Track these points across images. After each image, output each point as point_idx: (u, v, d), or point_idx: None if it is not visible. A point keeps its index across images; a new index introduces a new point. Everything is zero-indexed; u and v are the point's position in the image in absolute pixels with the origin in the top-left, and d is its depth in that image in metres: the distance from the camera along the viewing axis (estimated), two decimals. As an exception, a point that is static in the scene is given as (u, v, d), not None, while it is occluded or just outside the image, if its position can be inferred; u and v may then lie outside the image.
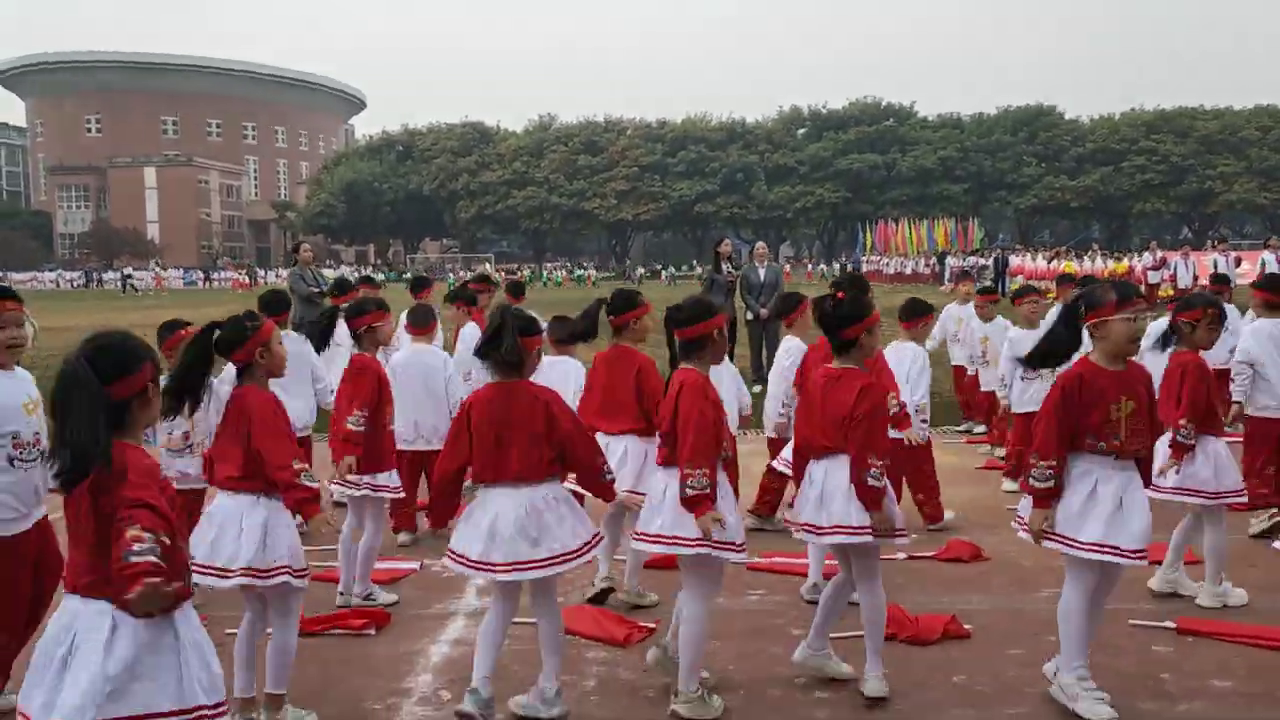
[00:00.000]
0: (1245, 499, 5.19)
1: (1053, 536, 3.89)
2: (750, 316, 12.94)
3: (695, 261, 75.06)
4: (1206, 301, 5.17)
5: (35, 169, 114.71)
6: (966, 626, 4.80)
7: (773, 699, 4.15)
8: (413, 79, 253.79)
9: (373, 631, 4.96)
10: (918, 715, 3.97)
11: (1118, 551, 3.79)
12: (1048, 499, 3.83)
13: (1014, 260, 34.34)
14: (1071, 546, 3.86)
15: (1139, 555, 3.82)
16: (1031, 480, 3.85)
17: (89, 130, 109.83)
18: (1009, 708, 4.02)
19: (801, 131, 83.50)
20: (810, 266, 67.34)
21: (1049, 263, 31.01)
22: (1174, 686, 4.13)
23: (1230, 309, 8.56)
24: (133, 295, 51.56)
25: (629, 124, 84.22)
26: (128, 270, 64.59)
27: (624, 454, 4.97)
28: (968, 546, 6.07)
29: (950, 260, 42.78)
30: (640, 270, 72.74)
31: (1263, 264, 20.51)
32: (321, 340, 5.30)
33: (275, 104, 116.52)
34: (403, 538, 6.41)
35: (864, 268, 58.38)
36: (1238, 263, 23.14)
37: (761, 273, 13.05)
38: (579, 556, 3.83)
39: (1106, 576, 3.93)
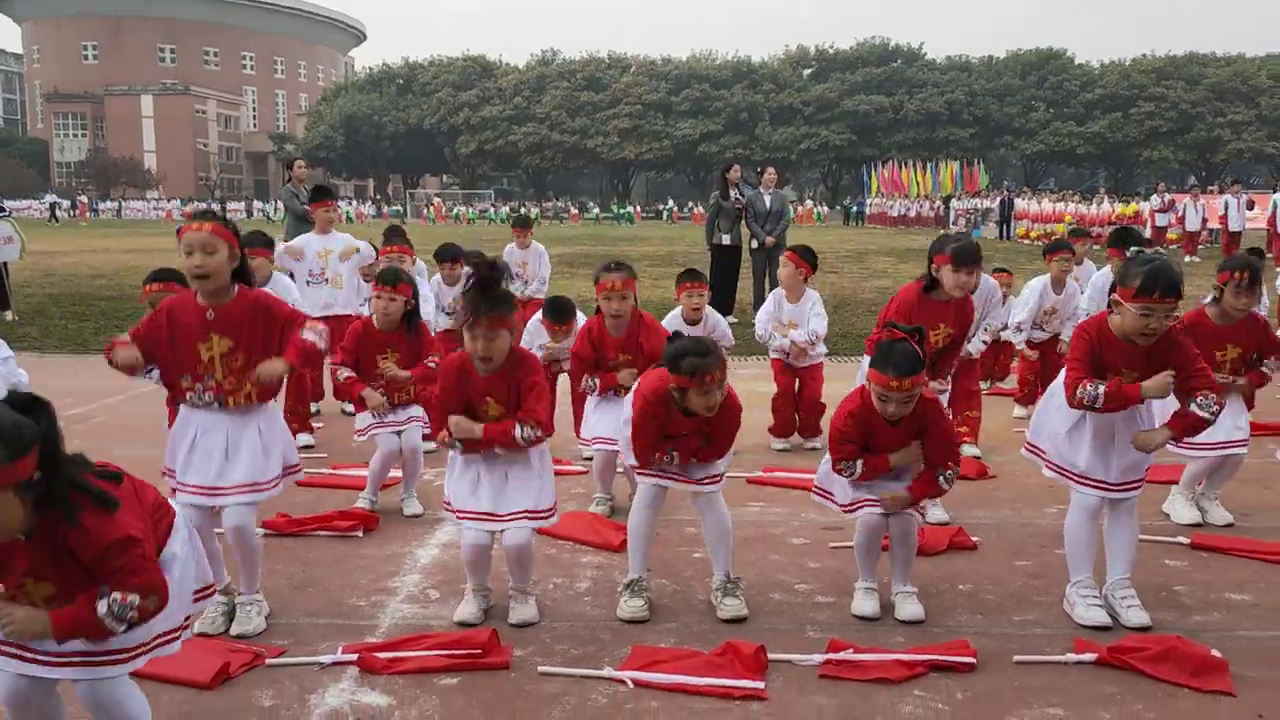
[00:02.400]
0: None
1: (1050, 463, 3.92)
2: (755, 244, 12.74)
3: (695, 202, 74.55)
4: (1238, 263, 4.76)
5: (31, 96, 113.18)
6: (974, 539, 4.67)
7: (774, 603, 4.02)
8: (414, 10, 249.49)
9: (360, 534, 4.82)
10: (925, 621, 3.83)
11: (1104, 485, 3.76)
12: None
13: (1019, 204, 33.93)
14: (1063, 474, 3.87)
15: (1127, 487, 3.77)
16: (1084, 399, 3.62)
17: (85, 57, 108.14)
18: (1016, 614, 3.88)
19: (808, 72, 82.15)
20: (809, 205, 66.66)
21: (1054, 205, 30.62)
22: (1189, 599, 4.00)
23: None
24: (56, 225, 50.67)
25: (633, 61, 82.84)
26: (53, 198, 63.94)
27: None
28: (974, 464, 5.92)
29: (954, 204, 42.35)
30: (670, 205, 72.35)
31: (1274, 206, 20.19)
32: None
33: (274, 34, 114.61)
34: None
35: (869, 210, 58.05)
36: (1250, 205, 22.83)
37: (768, 200, 12.81)
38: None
39: (1113, 500, 3.81)
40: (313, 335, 3.53)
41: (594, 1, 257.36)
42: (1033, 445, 4.01)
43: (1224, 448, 4.73)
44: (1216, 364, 4.63)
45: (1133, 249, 4.47)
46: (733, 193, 12.81)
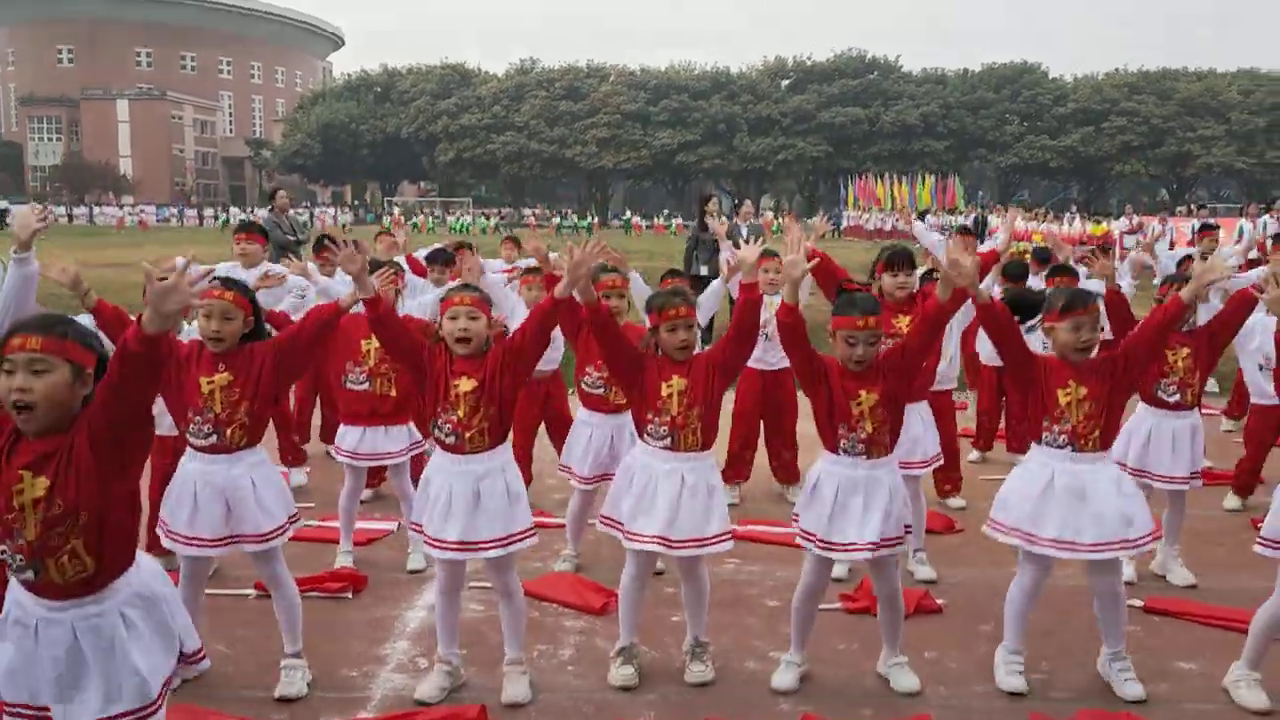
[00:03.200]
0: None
1: (1012, 531, 3.98)
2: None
3: (667, 210, 74.85)
4: (1176, 278, 5.20)
5: (5, 99, 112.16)
6: (939, 601, 4.88)
7: (748, 672, 4.20)
8: (394, 17, 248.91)
9: (349, 595, 4.97)
10: (886, 691, 4.03)
11: (1073, 547, 3.85)
12: None
13: (993, 220, 34.39)
14: (1029, 541, 3.93)
15: (1097, 549, 3.87)
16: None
17: (60, 61, 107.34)
18: (978, 683, 4.09)
19: (785, 83, 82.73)
20: (767, 215, 66.98)
21: (1027, 224, 31.04)
22: (1140, 667, 4.19)
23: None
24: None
25: (612, 70, 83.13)
26: (3, 204, 63.26)
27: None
28: (941, 519, 6.14)
29: (930, 219, 42.79)
30: (628, 216, 72.32)
31: (1240, 231, 20.60)
32: None
33: (251, 38, 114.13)
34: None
35: (845, 223, 58.49)
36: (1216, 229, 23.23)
37: (744, 231, 13.02)
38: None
39: (1091, 564, 3.95)
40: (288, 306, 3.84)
41: (574, 11, 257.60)
42: (995, 522, 4.07)
43: (1180, 481, 5.04)
44: (1171, 368, 5.03)
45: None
46: (710, 223, 13.01)
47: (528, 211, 75.79)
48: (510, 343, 3.90)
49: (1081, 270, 7.73)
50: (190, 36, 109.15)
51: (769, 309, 6.35)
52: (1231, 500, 6.58)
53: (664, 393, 3.93)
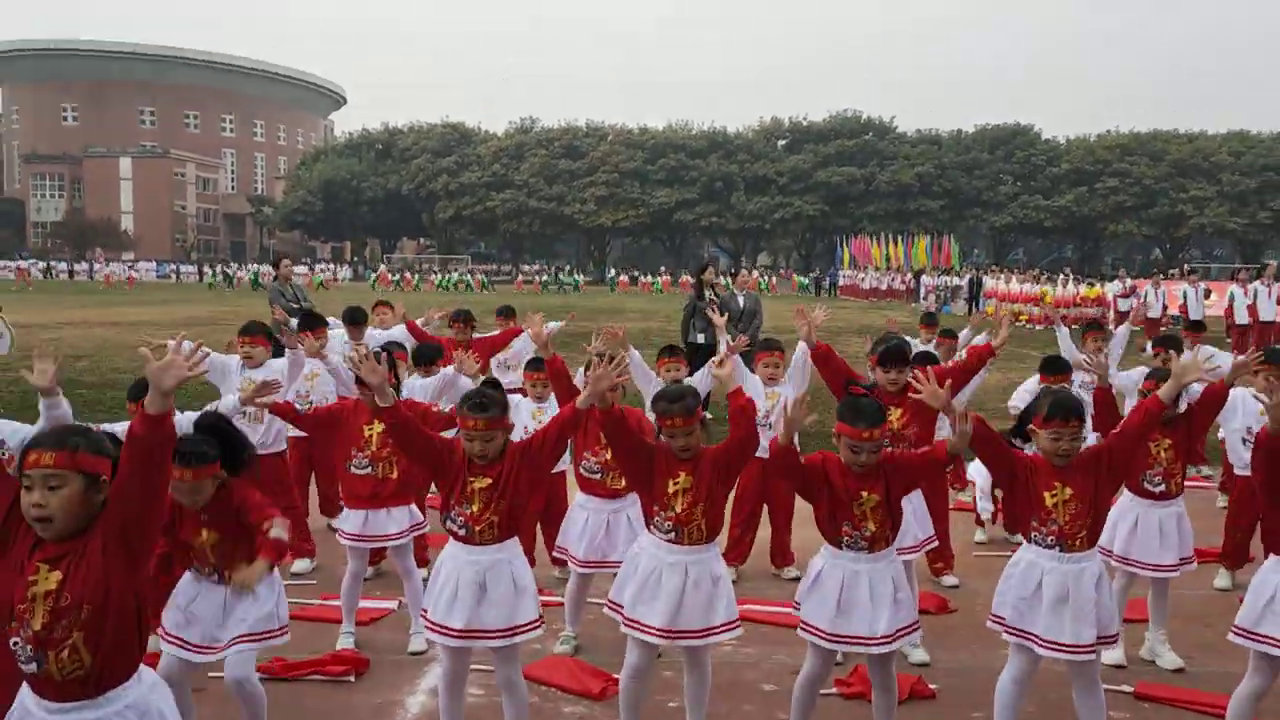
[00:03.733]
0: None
1: (1009, 629, 4.08)
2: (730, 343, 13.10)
3: (664, 268, 75.47)
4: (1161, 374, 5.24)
5: (9, 156, 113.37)
6: (932, 687, 4.94)
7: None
8: (395, 77, 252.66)
9: (352, 678, 5.03)
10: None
11: (1061, 648, 3.94)
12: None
13: (987, 282, 34.72)
14: (1024, 638, 4.03)
15: (1080, 650, 3.94)
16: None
17: (65, 119, 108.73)
18: (971, 775, 4.15)
19: (781, 143, 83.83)
20: (754, 275, 67.78)
21: (1021, 286, 31.38)
22: (1130, 756, 4.28)
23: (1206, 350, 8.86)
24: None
25: (610, 130, 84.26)
26: None
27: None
28: (934, 598, 6.21)
29: (925, 278, 43.18)
30: (614, 274, 72.72)
31: (1231, 296, 20.86)
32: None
33: (255, 97, 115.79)
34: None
35: (841, 281, 58.97)
36: (1207, 294, 23.55)
37: (741, 300, 13.22)
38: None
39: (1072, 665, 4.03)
40: (279, 531, 3.79)
41: (572, 71, 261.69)
42: (996, 616, 4.16)
43: (1167, 569, 5.12)
44: (1154, 459, 5.17)
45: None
46: (707, 293, 13.22)
47: (526, 268, 76.35)
48: (529, 445, 4.02)
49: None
50: (194, 95, 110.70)
51: (769, 399, 6.51)
52: (1222, 579, 6.66)
53: (669, 489, 4.03)
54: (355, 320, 8.57)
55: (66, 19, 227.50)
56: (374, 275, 68.11)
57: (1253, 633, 3.94)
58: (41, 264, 71.81)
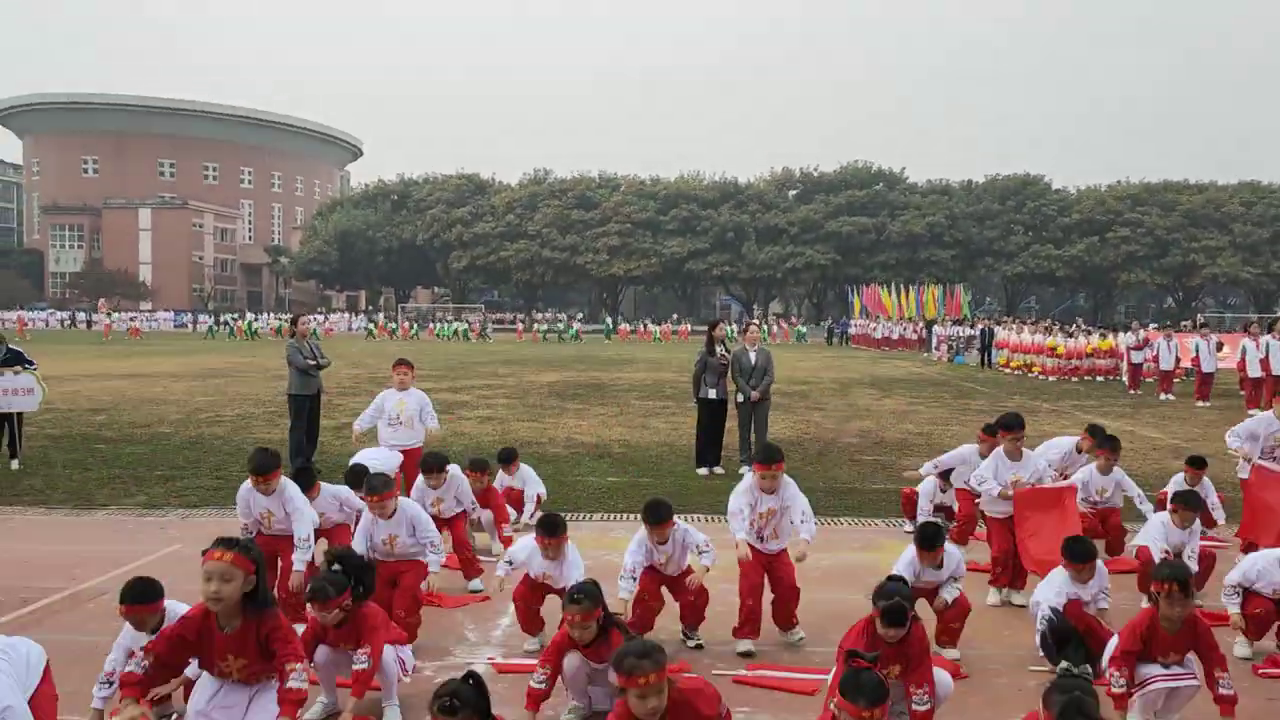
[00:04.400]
0: None
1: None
2: (740, 398, 13.16)
3: (677, 315, 75.80)
4: (1167, 575, 5.03)
5: (30, 207, 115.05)
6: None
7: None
8: (410, 129, 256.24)
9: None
10: None
11: None
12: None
13: (999, 333, 34.75)
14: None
15: None
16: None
17: (85, 171, 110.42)
18: None
19: (793, 193, 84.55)
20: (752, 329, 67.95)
21: (1033, 337, 31.38)
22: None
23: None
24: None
25: (622, 180, 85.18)
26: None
27: None
28: (947, 664, 6.19)
29: (936, 329, 43.23)
30: (611, 323, 73.11)
31: (1243, 350, 20.83)
32: None
33: (272, 149, 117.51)
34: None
35: (853, 330, 59.10)
36: (1219, 346, 23.51)
37: (753, 356, 13.28)
38: None
39: None
40: (298, 682, 3.99)
41: (586, 124, 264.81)
42: None
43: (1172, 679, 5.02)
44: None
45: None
46: (719, 349, 13.31)
47: (542, 316, 76.75)
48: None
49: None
50: (213, 148, 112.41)
51: (765, 503, 6.55)
52: (1241, 647, 6.60)
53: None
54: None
55: (88, 72, 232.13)
56: (373, 326, 68.60)
57: None
58: (60, 314, 72.60)
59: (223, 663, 4.03)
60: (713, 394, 13.24)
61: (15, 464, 12.66)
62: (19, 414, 12.82)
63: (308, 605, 4.79)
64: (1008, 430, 7.66)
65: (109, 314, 67.23)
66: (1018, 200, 79.54)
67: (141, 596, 4.54)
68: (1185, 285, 78.69)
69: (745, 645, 6.43)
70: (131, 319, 71.14)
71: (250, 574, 4.06)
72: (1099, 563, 6.14)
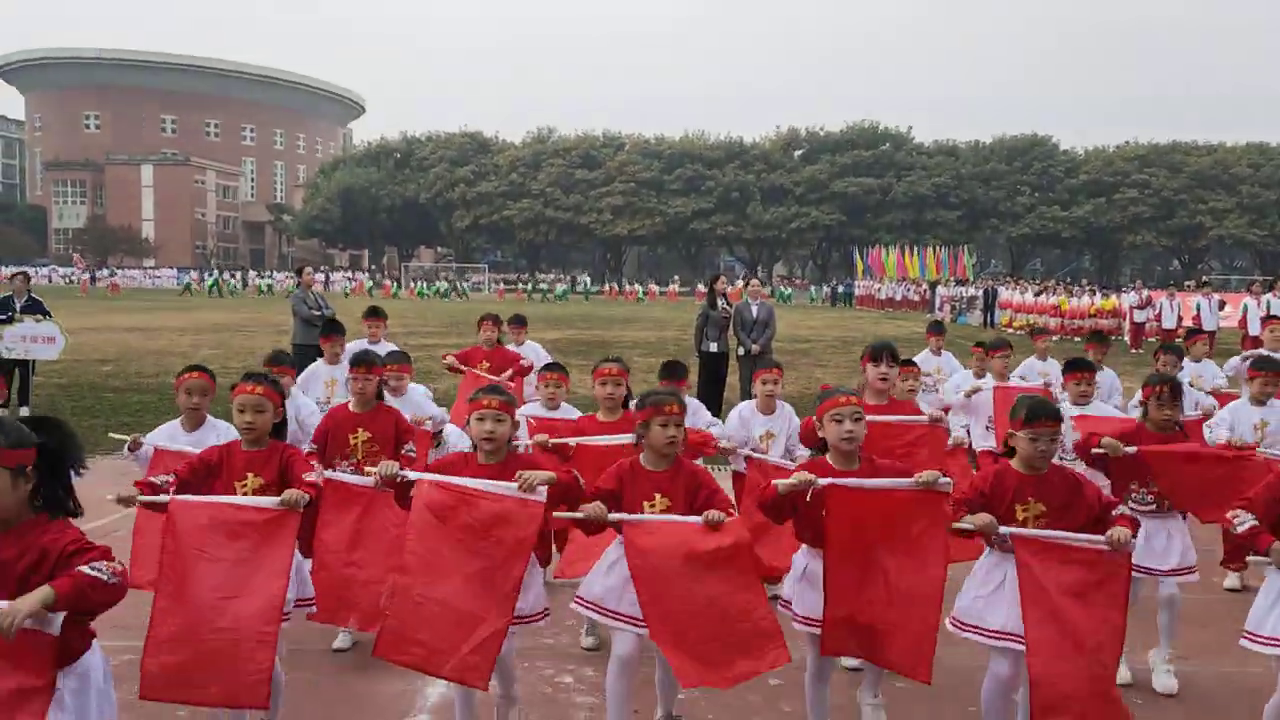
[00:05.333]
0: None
1: (965, 626, 4.14)
2: (742, 351, 13.26)
3: (677, 277, 75.70)
4: (1157, 379, 5.29)
5: (32, 164, 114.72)
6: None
7: (748, 750, 4.41)
8: (414, 83, 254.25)
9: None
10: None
11: (1021, 639, 3.89)
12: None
13: (1003, 293, 34.76)
14: (978, 633, 4.08)
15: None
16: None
17: (87, 127, 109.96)
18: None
19: (798, 153, 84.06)
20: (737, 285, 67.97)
21: (1037, 296, 31.41)
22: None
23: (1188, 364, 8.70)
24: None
25: (627, 139, 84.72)
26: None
27: None
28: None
29: (940, 290, 43.23)
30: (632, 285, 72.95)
31: (1245, 308, 20.90)
32: None
33: (274, 106, 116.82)
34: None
35: (857, 291, 59.08)
36: (1221, 305, 23.57)
37: (755, 309, 13.35)
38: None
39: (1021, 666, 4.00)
40: (314, 475, 4.20)
41: (590, 85, 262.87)
42: (958, 620, 4.20)
43: (1173, 574, 5.10)
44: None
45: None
46: (720, 302, 13.40)
47: (543, 277, 76.59)
48: (565, 484, 4.06)
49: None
50: (215, 104, 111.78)
51: (763, 426, 6.62)
52: (1231, 579, 6.72)
53: (645, 512, 4.09)
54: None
55: (89, 28, 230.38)
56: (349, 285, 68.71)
57: (1263, 636, 3.95)
58: (63, 270, 72.58)
59: (240, 482, 4.24)
60: (714, 347, 13.34)
61: (25, 410, 12.83)
62: (31, 362, 12.99)
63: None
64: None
65: (86, 270, 67.00)
66: (1025, 161, 79.13)
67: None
68: (1191, 247, 78.45)
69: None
70: (110, 274, 71.02)
71: (279, 405, 4.39)
72: None
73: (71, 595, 2.77)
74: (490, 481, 4.01)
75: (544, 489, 3.91)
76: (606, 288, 72.85)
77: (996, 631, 4.02)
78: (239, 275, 74.61)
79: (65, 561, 2.87)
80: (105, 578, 2.83)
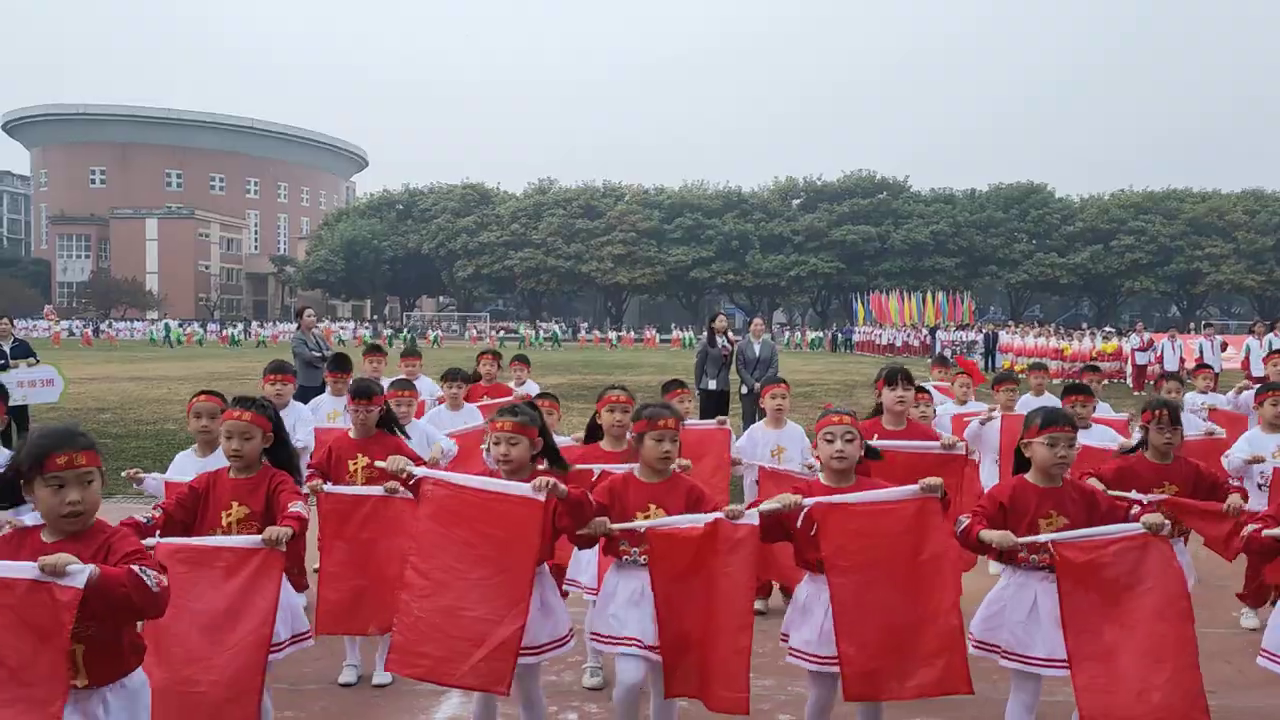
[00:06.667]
0: None
1: (1005, 654, 4.05)
2: (744, 390, 13.18)
3: (675, 326, 75.77)
4: (1156, 403, 5.18)
5: (37, 218, 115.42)
6: None
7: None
8: (415, 140, 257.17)
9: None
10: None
11: (1065, 664, 3.84)
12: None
13: (1004, 337, 34.73)
14: (1023, 662, 3.99)
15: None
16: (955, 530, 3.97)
17: (93, 181, 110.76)
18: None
19: (796, 202, 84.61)
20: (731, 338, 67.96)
21: (1036, 340, 31.36)
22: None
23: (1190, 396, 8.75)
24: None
25: (627, 189, 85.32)
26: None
27: None
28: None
29: (940, 334, 43.23)
30: (626, 332, 72.93)
31: (1247, 349, 20.82)
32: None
33: (279, 160, 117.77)
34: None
35: (856, 338, 59.10)
36: (1223, 347, 23.50)
37: (757, 348, 13.32)
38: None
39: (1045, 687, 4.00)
40: (299, 507, 4.05)
41: (590, 136, 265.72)
42: (983, 643, 4.12)
43: None
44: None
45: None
46: (720, 340, 13.35)
47: (544, 325, 76.50)
48: (575, 499, 3.97)
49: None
50: (220, 158, 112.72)
51: (773, 441, 6.67)
52: (1249, 619, 6.57)
53: (635, 506, 4.08)
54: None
55: (95, 84, 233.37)
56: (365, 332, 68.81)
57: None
58: (67, 324, 72.52)
59: (225, 511, 4.10)
60: (713, 384, 13.26)
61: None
62: (27, 408, 12.82)
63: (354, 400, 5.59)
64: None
65: (57, 322, 66.85)
66: (1021, 209, 79.59)
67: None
68: (1189, 293, 78.60)
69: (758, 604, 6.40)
70: (109, 325, 71.07)
71: (268, 431, 4.25)
72: None
73: (114, 580, 2.82)
74: (492, 480, 3.97)
75: (546, 491, 3.82)
76: (590, 336, 72.47)
77: (1044, 660, 3.94)
78: (240, 326, 74.55)
79: (125, 559, 2.95)
80: (151, 584, 2.89)
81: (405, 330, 73.81)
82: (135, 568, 2.88)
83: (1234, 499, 4.80)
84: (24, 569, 2.82)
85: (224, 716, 3.60)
